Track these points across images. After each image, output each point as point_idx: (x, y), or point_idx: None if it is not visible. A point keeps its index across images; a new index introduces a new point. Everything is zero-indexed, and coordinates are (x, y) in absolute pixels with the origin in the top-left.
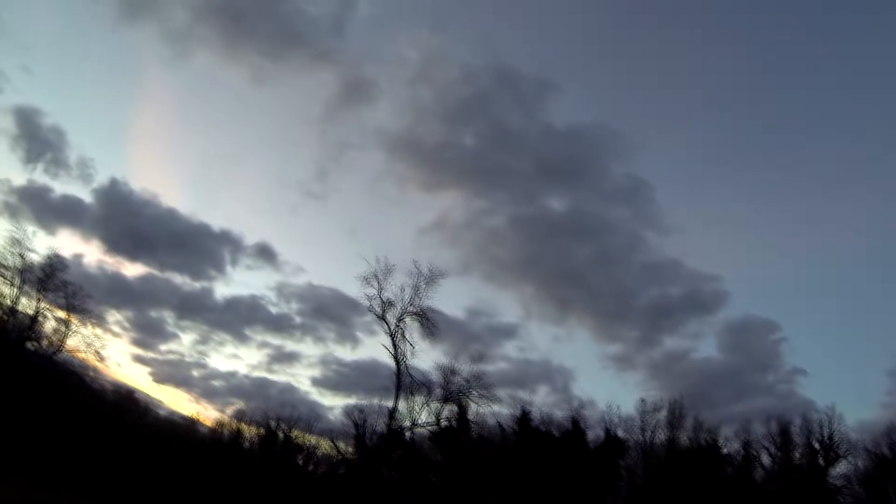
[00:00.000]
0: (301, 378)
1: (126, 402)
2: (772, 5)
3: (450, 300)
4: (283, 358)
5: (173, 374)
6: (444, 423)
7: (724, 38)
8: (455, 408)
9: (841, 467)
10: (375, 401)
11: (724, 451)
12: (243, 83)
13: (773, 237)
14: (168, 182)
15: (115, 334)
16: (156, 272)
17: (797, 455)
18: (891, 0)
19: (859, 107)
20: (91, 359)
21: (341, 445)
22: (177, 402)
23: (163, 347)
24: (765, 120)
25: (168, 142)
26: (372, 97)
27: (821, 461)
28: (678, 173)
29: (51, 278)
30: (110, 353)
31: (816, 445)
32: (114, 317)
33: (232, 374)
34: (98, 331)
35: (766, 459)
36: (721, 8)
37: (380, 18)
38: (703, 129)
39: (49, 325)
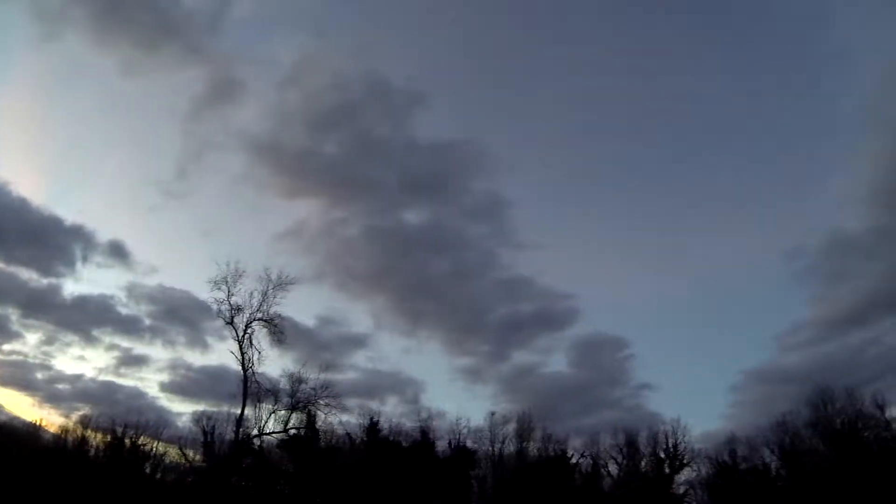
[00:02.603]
0: (150, 383)
1: None
2: (642, 26)
3: (302, 308)
4: (132, 361)
5: (15, 375)
6: (292, 431)
7: (596, 57)
8: (303, 416)
9: (685, 475)
10: (224, 408)
11: (573, 461)
12: (112, 73)
13: (626, 258)
14: (23, 170)
15: None
16: (1, 265)
17: (644, 464)
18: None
19: (721, 128)
20: None
21: (190, 453)
22: (18, 406)
23: (5, 347)
24: (627, 142)
25: (27, 126)
26: (239, 98)
27: (666, 469)
28: (539, 192)
29: None
30: None
31: (662, 454)
32: None
33: (78, 378)
34: None
35: (613, 468)
36: (592, 30)
37: (258, 18)
38: (566, 150)
39: None
